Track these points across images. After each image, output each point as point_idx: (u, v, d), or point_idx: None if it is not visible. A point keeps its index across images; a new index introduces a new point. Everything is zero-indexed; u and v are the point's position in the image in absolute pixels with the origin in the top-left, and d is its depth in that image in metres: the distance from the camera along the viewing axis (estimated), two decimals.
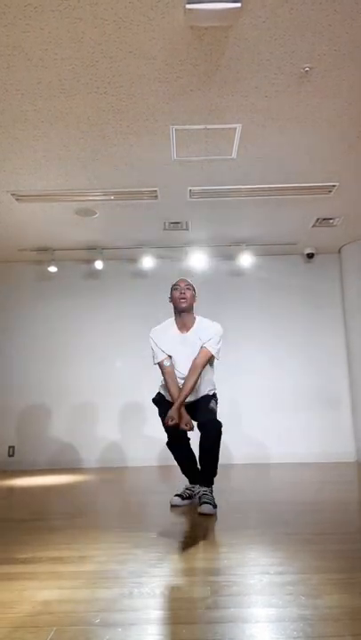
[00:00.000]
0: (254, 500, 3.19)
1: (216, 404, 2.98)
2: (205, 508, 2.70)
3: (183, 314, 3.01)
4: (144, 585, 1.61)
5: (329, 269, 5.75)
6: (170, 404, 2.85)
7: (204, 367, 2.90)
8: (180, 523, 2.60)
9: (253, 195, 4.23)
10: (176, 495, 3.02)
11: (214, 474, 2.91)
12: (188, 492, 3.05)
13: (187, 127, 3.21)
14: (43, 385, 5.51)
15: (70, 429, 5.42)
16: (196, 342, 2.92)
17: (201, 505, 2.74)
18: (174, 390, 2.89)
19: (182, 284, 3.03)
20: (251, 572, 1.72)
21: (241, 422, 5.30)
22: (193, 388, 2.86)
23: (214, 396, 3.02)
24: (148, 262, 5.36)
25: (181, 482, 3.23)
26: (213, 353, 2.91)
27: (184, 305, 2.98)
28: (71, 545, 2.13)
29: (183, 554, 1.98)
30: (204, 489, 2.87)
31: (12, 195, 4.09)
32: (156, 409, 3.03)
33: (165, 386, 2.98)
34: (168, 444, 3.03)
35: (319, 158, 3.65)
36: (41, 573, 1.75)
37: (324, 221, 4.84)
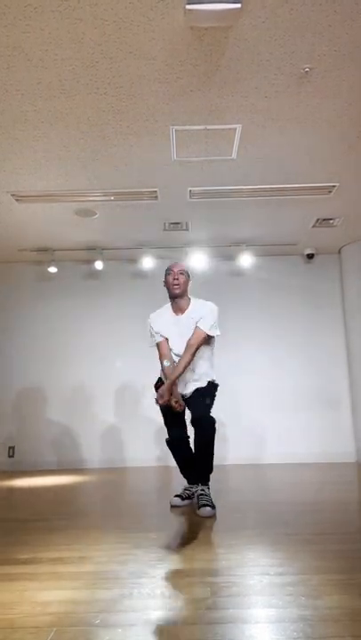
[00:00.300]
0: (254, 501, 3.19)
1: (214, 396, 2.96)
2: (204, 512, 2.69)
3: (177, 299, 3.03)
4: (144, 585, 1.61)
5: (329, 270, 5.75)
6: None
7: (198, 347, 2.91)
8: (179, 523, 2.60)
9: (254, 195, 4.23)
10: (176, 496, 3.02)
11: (210, 470, 2.92)
12: (187, 492, 3.05)
13: (187, 128, 3.21)
14: (43, 385, 5.51)
15: (70, 430, 5.42)
16: (190, 323, 2.95)
17: (200, 508, 2.73)
18: (168, 371, 2.93)
19: (175, 269, 3.03)
20: (251, 572, 1.72)
21: (241, 422, 5.29)
22: (186, 367, 2.87)
23: (213, 386, 2.98)
24: (148, 263, 5.35)
25: (180, 483, 3.23)
26: (206, 331, 2.90)
27: (177, 291, 3.00)
28: (71, 545, 2.13)
29: (183, 554, 1.98)
30: (201, 488, 2.88)
31: (12, 195, 4.09)
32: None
33: (161, 367, 3.02)
34: (168, 442, 3.04)
35: (319, 158, 3.65)
36: (41, 574, 1.75)
37: (324, 222, 4.84)
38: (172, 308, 3.09)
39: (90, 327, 5.64)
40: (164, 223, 4.83)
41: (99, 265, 5.41)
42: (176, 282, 2.98)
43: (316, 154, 3.59)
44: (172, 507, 2.95)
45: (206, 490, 2.88)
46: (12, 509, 3.20)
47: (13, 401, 5.47)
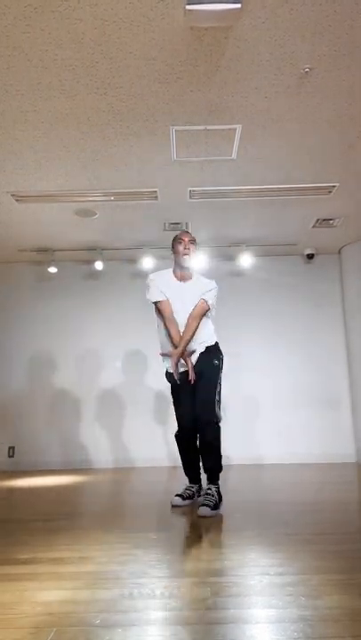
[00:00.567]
0: (254, 501, 3.19)
1: (220, 360, 3.00)
2: (202, 511, 2.67)
3: (184, 268, 3.06)
4: (144, 586, 1.61)
5: (329, 270, 5.76)
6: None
7: (201, 319, 2.96)
8: (180, 523, 2.60)
9: (254, 195, 4.23)
10: (177, 495, 3.01)
11: (219, 469, 2.92)
12: (188, 492, 3.04)
13: (187, 128, 3.21)
14: (43, 385, 5.51)
15: (70, 430, 5.42)
16: (195, 293, 2.98)
17: (200, 507, 2.72)
18: (175, 332, 2.93)
19: (186, 239, 3.07)
20: (251, 572, 1.72)
21: (241, 421, 5.29)
22: (192, 338, 2.91)
23: (217, 348, 3.02)
24: (148, 263, 5.35)
25: (182, 482, 3.23)
26: (211, 302, 2.99)
27: (188, 261, 3.03)
28: (71, 545, 2.13)
29: (183, 554, 1.98)
30: (208, 487, 2.87)
31: (12, 195, 4.09)
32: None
33: (165, 329, 2.99)
34: (177, 435, 3.04)
35: (319, 159, 3.65)
36: (41, 574, 1.75)
37: (324, 222, 4.84)
38: (176, 274, 3.10)
39: (90, 327, 5.64)
40: (164, 223, 4.83)
41: (99, 265, 5.41)
42: (187, 252, 3.03)
43: (316, 154, 3.59)
44: (173, 506, 2.94)
45: (213, 489, 2.84)
46: (13, 509, 3.20)
47: (13, 401, 5.48)
